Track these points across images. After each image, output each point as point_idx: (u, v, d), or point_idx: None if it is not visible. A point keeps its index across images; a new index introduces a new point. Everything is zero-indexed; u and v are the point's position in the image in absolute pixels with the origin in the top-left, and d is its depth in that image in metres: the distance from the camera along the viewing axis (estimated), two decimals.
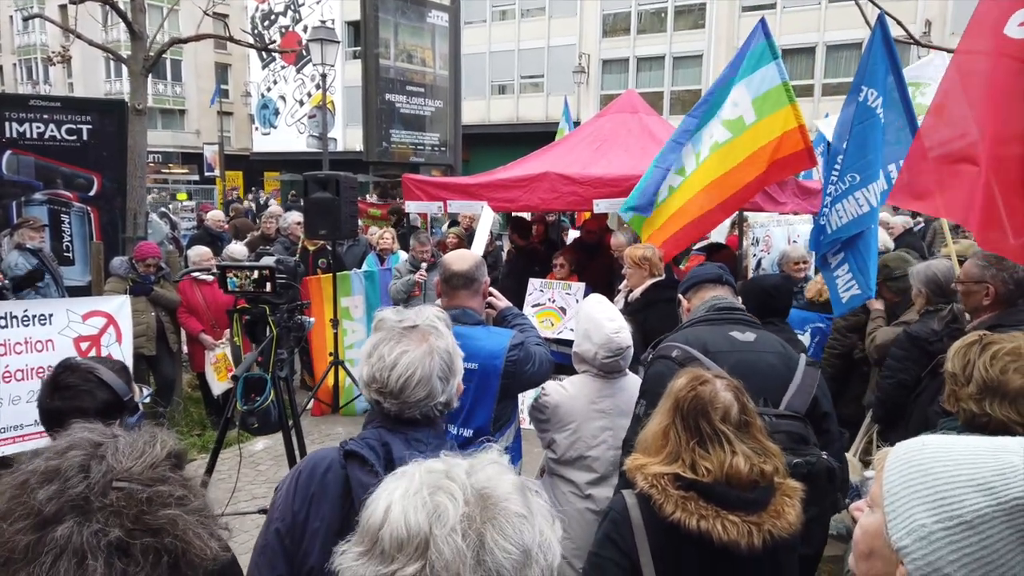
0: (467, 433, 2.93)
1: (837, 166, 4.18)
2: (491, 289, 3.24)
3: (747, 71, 4.77)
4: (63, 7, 26.86)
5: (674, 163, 5.26)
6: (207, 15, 7.41)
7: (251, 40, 10.77)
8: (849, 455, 3.77)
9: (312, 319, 3.45)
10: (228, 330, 3.66)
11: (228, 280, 3.24)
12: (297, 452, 3.40)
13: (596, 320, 3.16)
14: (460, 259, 3.10)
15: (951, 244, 4.25)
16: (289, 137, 36.25)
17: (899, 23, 4.15)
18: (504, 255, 9.50)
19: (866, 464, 3.64)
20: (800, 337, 5.19)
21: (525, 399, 3.92)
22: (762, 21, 4.75)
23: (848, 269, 4.19)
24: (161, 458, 1.05)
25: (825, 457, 2.32)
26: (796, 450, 2.26)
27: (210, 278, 7.06)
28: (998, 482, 0.99)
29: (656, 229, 5.28)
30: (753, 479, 1.83)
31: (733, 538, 1.76)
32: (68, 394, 2.09)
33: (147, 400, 2.29)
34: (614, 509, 1.98)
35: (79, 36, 6.99)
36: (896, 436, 3.64)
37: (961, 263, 4.68)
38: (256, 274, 3.23)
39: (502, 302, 3.28)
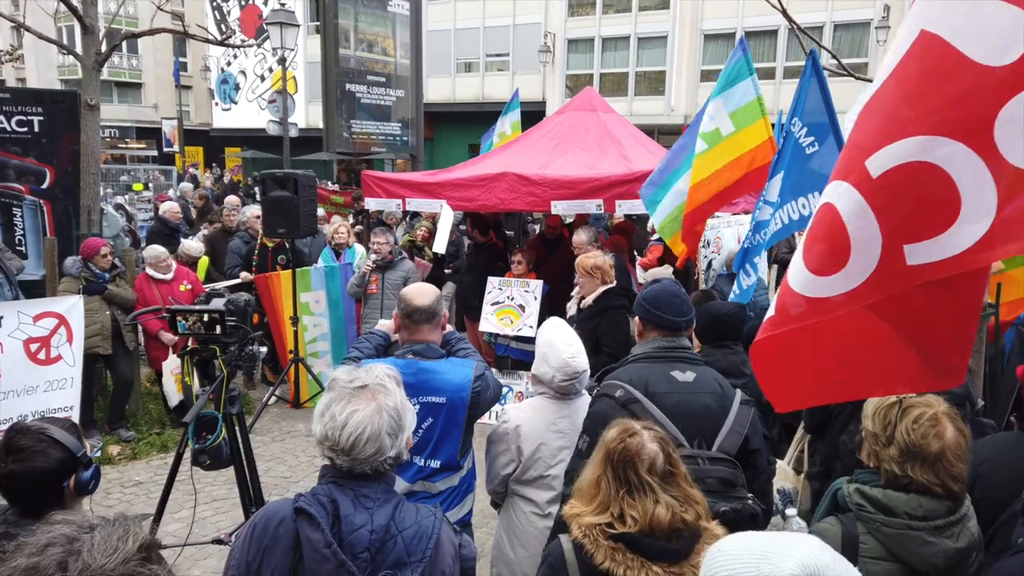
0: (434, 464, 3.05)
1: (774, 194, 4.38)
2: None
3: (726, 86, 5.00)
4: None
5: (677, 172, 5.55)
6: (161, 10, 7.24)
7: (208, 34, 10.52)
8: (783, 463, 3.97)
9: (264, 348, 3.50)
10: (181, 367, 3.71)
11: (178, 323, 3.28)
12: (251, 487, 3.47)
13: (553, 344, 3.22)
14: (421, 294, 3.17)
15: None
16: (250, 113, 35.45)
17: (832, 54, 4.28)
18: (466, 245, 9.56)
19: (797, 472, 3.84)
20: None
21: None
22: (742, 40, 5.03)
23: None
24: (133, 552, 1.13)
25: (751, 503, 2.48)
26: (726, 494, 2.43)
27: (168, 276, 7.04)
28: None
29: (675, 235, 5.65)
30: (675, 527, 1.97)
31: None
32: (23, 456, 2.12)
33: (97, 455, 2.35)
34: (552, 555, 2.11)
35: (28, 30, 6.82)
36: (824, 446, 3.84)
37: None
38: (206, 317, 3.27)
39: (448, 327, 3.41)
